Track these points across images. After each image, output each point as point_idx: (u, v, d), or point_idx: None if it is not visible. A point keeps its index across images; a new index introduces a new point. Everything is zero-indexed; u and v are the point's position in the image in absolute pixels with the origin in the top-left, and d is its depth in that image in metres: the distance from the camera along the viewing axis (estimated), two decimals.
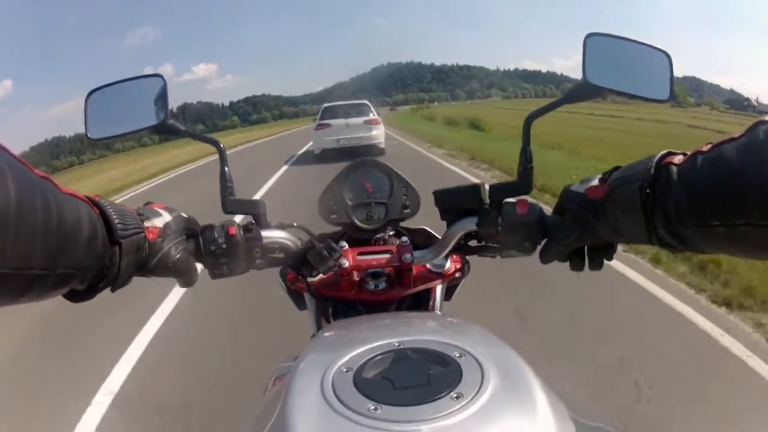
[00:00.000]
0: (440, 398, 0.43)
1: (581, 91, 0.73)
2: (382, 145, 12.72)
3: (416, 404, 0.43)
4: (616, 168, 0.63)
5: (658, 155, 0.55)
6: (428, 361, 0.49)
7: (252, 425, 0.53)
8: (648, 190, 0.54)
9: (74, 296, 0.55)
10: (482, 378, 0.46)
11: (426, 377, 0.46)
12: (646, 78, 0.77)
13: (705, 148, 0.51)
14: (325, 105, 14.04)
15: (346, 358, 0.51)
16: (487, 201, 0.75)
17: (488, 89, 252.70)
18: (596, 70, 0.72)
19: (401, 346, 0.52)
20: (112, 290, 0.58)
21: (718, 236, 0.49)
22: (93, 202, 0.54)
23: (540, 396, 0.44)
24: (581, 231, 0.66)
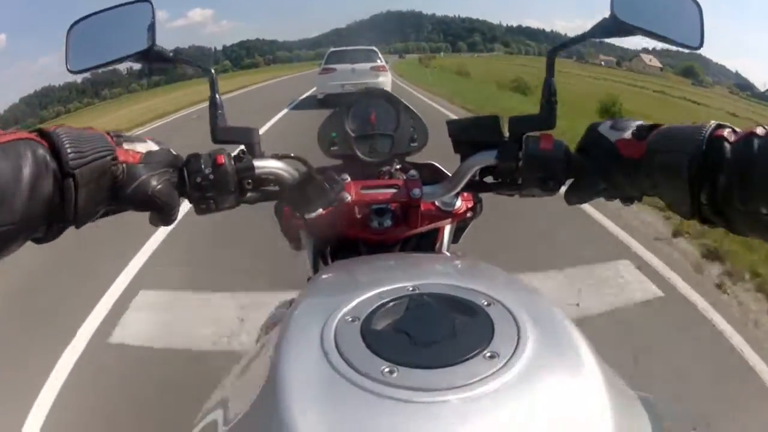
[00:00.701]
0: (471, 358, 0.35)
1: (607, 27, 0.67)
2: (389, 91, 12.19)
3: (442, 366, 0.35)
4: (654, 126, 0.58)
5: (709, 128, 0.52)
6: (452, 310, 0.42)
7: (241, 385, 0.47)
8: (697, 164, 0.51)
9: (35, 241, 0.50)
10: (518, 332, 0.38)
11: (451, 329, 0.38)
12: (677, 23, 0.71)
13: (759, 131, 0.48)
14: (332, 49, 13.51)
15: (352, 304, 0.43)
16: (507, 134, 0.70)
17: (491, 43, 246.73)
18: (625, 5, 0.66)
19: (417, 291, 0.45)
20: (77, 227, 0.53)
21: (765, 224, 0.47)
22: (44, 135, 0.48)
23: (587, 356, 0.37)
24: (609, 185, 0.63)
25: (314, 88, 13.80)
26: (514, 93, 16.31)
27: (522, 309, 0.41)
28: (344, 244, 0.81)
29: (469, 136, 0.73)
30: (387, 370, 0.35)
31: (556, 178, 0.66)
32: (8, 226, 0.44)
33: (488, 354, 0.36)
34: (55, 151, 0.48)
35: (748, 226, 0.50)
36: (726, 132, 0.50)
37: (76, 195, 0.49)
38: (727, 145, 0.49)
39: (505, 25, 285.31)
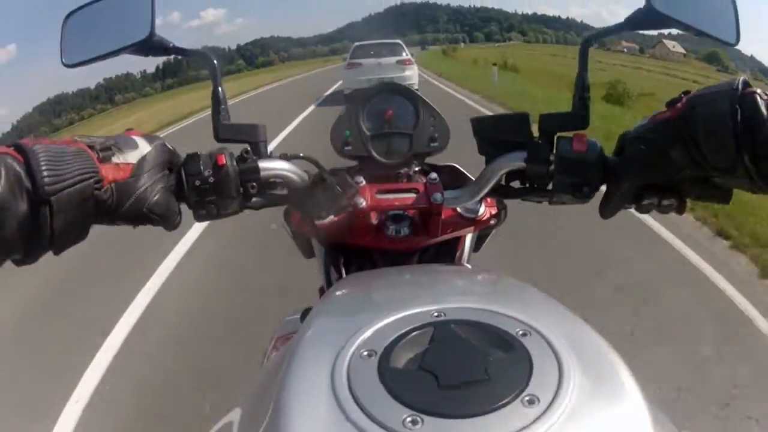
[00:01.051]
0: (507, 404, 0.31)
1: (643, 19, 0.62)
2: (416, 87, 11.25)
3: (474, 415, 0.30)
4: (686, 92, 0.56)
5: (739, 83, 0.52)
6: (483, 341, 0.37)
7: (243, 416, 0.42)
8: (737, 107, 0.50)
9: (15, 263, 0.46)
10: (560, 370, 0.33)
11: (483, 368, 0.33)
12: (712, 17, 0.67)
13: None
14: (357, 43, 13.40)
15: (368, 334, 0.38)
16: (536, 134, 0.65)
17: (507, 32, 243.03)
18: None
19: (441, 318, 0.39)
20: (56, 253, 0.48)
21: None
22: (22, 151, 0.44)
23: (636, 396, 0.32)
24: (646, 165, 0.58)
25: (340, 83, 13.76)
26: (613, 106, 11.49)
27: (563, 340, 0.36)
28: (359, 252, 0.76)
29: (495, 135, 0.67)
30: (409, 419, 0.30)
31: (591, 184, 0.61)
32: None
33: (527, 398, 0.31)
34: (31, 171, 0.43)
35: None
36: (757, 90, 0.51)
37: (51, 222, 0.45)
38: (760, 100, 0.50)
39: (520, 13, 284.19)
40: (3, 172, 0.41)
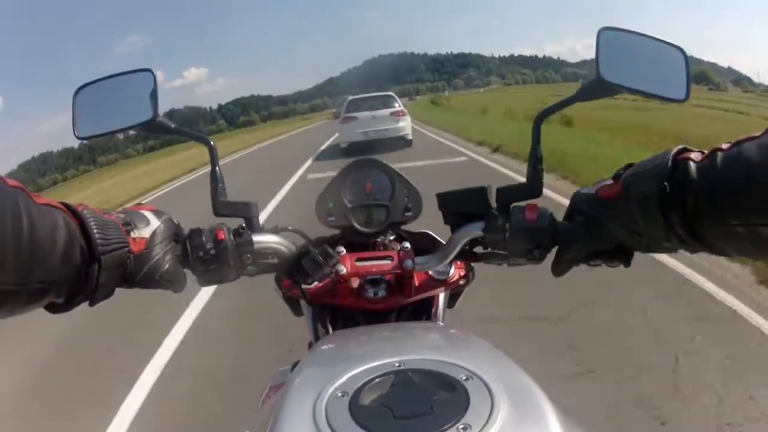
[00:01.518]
0: (445, 430, 0.39)
1: (595, 89, 0.69)
2: (410, 137, 12.66)
3: None
4: (629, 165, 0.60)
5: (674, 150, 0.54)
6: (432, 384, 0.45)
7: None
8: (665, 184, 0.52)
9: (51, 307, 0.52)
10: (491, 405, 0.42)
11: (429, 404, 0.42)
12: (662, 75, 0.73)
13: (725, 146, 0.49)
14: (350, 98, 13.98)
15: (342, 379, 0.47)
16: (494, 205, 0.72)
17: (486, 76, 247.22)
18: (610, 66, 0.69)
19: (402, 367, 0.49)
20: (91, 305, 0.55)
21: (738, 236, 0.48)
22: (73, 212, 0.51)
23: (554, 425, 0.40)
24: (592, 234, 0.64)
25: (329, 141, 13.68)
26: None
27: (498, 382, 0.44)
28: (343, 311, 0.83)
29: (457, 207, 0.74)
30: None
31: (541, 248, 0.68)
32: (41, 285, 0.46)
33: (461, 426, 0.39)
34: (84, 231, 0.51)
35: (726, 242, 0.51)
36: (693, 154, 0.52)
37: (98, 277, 0.52)
38: (692, 164, 0.51)
39: (497, 56, 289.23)
40: (64, 225, 0.48)
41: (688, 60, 0.73)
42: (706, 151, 0.52)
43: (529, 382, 0.46)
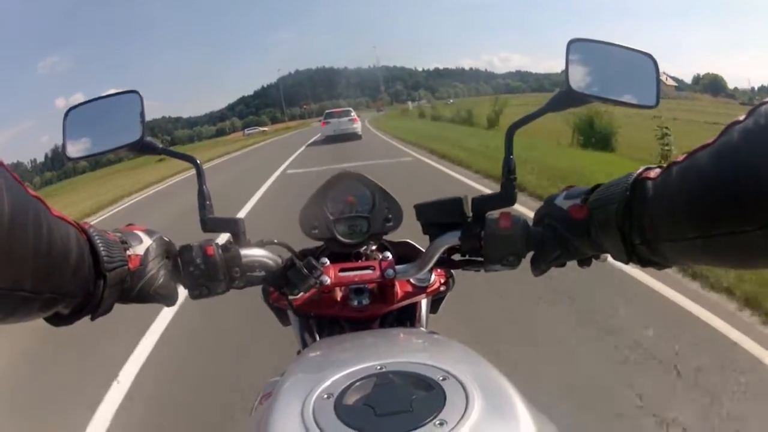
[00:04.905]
0: (423, 425, 0.42)
1: (565, 100, 0.72)
2: (359, 132, 21.73)
3: None
4: (598, 186, 0.63)
5: (636, 171, 0.55)
6: (411, 385, 0.49)
7: None
8: (624, 209, 0.54)
9: (55, 319, 0.54)
10: (467, 402, 0.45)
11: (409, 403, 0.46)
12: (632, 83, 0.74)
13: (680, 158, 0.49)
14: (327, 111, 24.57)
15: (327, 383, 0.50)
16: (470, 214, 0.74)
17: (414, 90, 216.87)
18: (580, 76, 0.71)
19: (383, 370, 0.52)
20: (92, 319, 0.57)
21: (697, 249, 0.48)
22: (81, 229, 0.53)
23: (525, 418, 0.44)
24: (564, 247, 0.66)
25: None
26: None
27: (473, 381, 0.48)
28: (328, 320, 0.86)
29: (434, 217, 0.77)
30: None
31: (516, 254, 0.71)
32: (53, 295, 0.48)
33: (438, 422, 0.43)
34: (93, 248, 0.54)
35: (686, 256, 0.51)
36: (653, 173, 0.53)
37: (103, 293, 0.55)
38: (649, 183, 0.52)
39: (421, 69, 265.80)
40: (75, 239, 0.50)
41: (658, 67, 0.74)
42: (664, 166, 0.52)
43: (503, 381, 0.50)
